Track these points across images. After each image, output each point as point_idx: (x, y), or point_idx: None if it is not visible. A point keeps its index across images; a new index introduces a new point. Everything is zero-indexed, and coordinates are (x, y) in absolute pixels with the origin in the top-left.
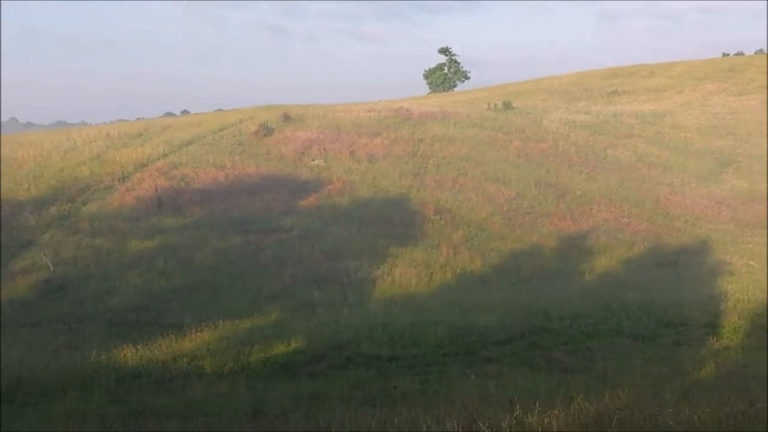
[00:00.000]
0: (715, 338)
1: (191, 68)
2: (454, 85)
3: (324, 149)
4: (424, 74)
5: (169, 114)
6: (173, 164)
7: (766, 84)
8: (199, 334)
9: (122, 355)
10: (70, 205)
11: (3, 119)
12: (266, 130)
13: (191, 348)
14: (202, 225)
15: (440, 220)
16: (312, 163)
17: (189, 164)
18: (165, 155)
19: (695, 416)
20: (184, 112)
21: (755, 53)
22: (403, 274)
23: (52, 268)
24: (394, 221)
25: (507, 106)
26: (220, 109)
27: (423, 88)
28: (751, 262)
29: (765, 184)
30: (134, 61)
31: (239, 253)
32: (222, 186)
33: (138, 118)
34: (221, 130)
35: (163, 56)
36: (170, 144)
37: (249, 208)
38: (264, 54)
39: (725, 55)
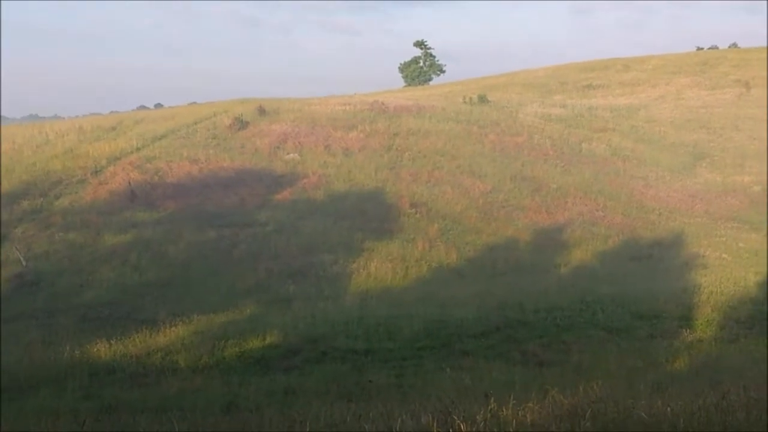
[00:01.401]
0: (688, 331)
1: (164, 60)
2: (430, 79)
3: (299, 143)
4: (399, 68)
5: (142, 107)
6: (147, 158)
7: (739, 78)
8: (173, 328)
9: (96, 350)
10: (42, 199)
11: None
12: (241, 124)
13: (165, 343)
14: (176, 219)
15: (416, 213)
16: (287, 156)
17: (163, 158)
18: (138, 149)
19: (668, 408)
20: (158, 106)
21: (729, 47)
22: (379, 268)
23: (24, 263)
24: (369, 215)
25: (482, 99)
26: (194, 103)
27: (398, 81)
28: (724, 255)
29: (737, 177)
30: (107, 53)
31: (213, 247)
32: (196, 180)
33: (111, 112)
34: (195, 123)
35: (136, 49)
36: (144, 137)
37: (223, 202)
38: (237, 46)
39: (699, 49)
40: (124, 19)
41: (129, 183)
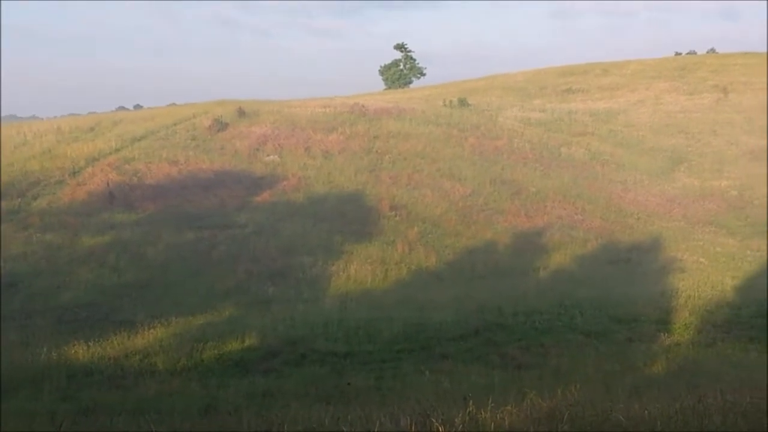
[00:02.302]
0: (666, 334)
1: (144, 61)
2: (410, 82)
3: (279, 145)
4: (379, 70)
5: (121, 108)
6: (125, 159)
7: (717, 83)
8: (151, 330)
9: (73, 351)
10: (20, 200)
11: None
12: (220, 125)
13: (143, 345)
14: (154, 220)
15: (395, 216)
16: (267, 158)
17: (141, 159)
18: (117, 150)
19: (646, 411)
20: (137, 107)
21: (707, 52)
22: (359, 271)
23: (1, 264)
24: (349, 217)
25: (462, 103)
26: (174, 104)
27: (379, 84)
28: (701, 259)
29: (715, 182)
30: (86, 53)
31: (192, 248)
32: (175, 181)
33: (90, 113)
34: (175, 124)
35: (115, 49)
36: (122, 138)
37: (203, 203)
38: (218, 48)
39: (677, 54)
40: (104, 20)
41: (107, 184)
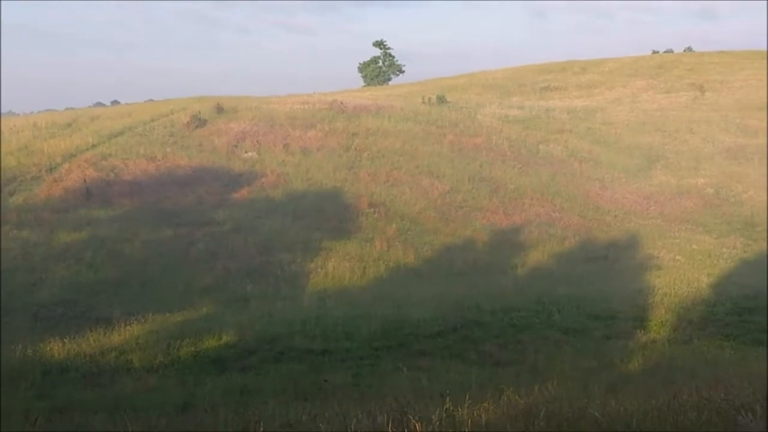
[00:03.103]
0: (642, 331)
1: (122, 57)
2: (389, 79)
3: (257, 141)
4: (358, 67)
5: (98, 104)
6: (102, 155)
7: (693, 81)
8: (128, 327)
9: (49, 349)
10: None
11: None
12: (198, 122)
13: (120, 342)
14: (132, 217)
15: (374, 213)
16: (245, 155)
17: (119, 155)
18: (94, 146)
19: (622, 408)
20: (114, 103)
21: (684, 51)
22: (337, 268)
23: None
24: (327, 214)
25: (441, 100)
26: (152, 100)
27: (357, 81)
28: (678, 257)
29: (691, 180)
30: (63, 49)
31: (170, 245)
32: (153, 178)
33: (67, 108)
34: (152, 121)
35: (92, 45)
36: (99, 134)
37: (180, 200)
38: (196, 44)
39: (655, 52)
40: (81, 15)
41: (84, 180)
